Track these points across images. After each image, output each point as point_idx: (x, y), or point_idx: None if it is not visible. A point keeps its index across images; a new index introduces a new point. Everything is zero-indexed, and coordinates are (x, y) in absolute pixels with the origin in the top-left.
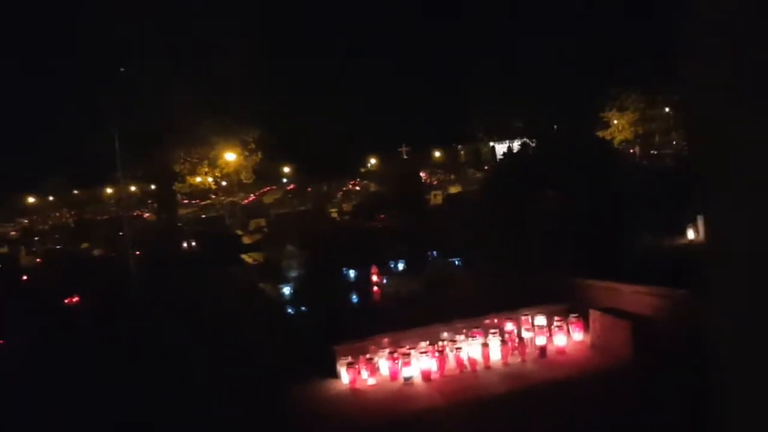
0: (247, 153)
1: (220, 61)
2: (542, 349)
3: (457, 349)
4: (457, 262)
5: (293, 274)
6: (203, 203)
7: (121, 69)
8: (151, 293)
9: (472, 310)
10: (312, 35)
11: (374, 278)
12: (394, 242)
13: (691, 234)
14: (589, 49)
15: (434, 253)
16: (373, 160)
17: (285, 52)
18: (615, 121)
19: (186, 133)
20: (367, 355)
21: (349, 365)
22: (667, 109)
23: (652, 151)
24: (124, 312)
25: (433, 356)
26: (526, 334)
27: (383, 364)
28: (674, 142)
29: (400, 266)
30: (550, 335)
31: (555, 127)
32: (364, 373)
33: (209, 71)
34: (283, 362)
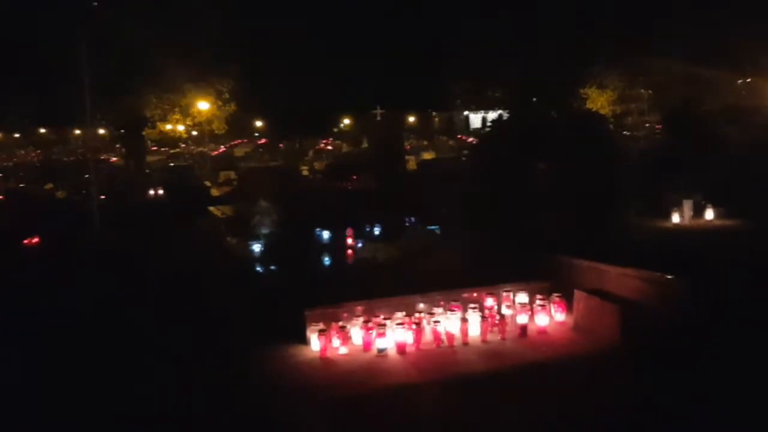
0: (220, 103)
1: (198, 8)
2: (523, 328)
3: (434, 322)
4: (435, 231)
5: (264, 231)
6: (172, 151)
7: (94, 3)
8: (112, 240)
9: (451, 281)
10: None
11: (349, 241)
12: (371, 205)
13: (676, 218)
14: (573, 23)
15: (412, 219)
16: (346, 120)
17: (265, 3)
18: (594, 99)
19: (159, 78)
20: (340, 323)
21: (320, 332)
22: (643, 91)
23: (624, 132)
24: (83, 257)
25: (410, 328)
26: (506, 311)
27: (356, 333)
28: (647, 125)
29: (377, 231)
30: (532, 314)
31: (534, 99)
32: (336, 342)
33: (187, 17)
34: (250, 324)
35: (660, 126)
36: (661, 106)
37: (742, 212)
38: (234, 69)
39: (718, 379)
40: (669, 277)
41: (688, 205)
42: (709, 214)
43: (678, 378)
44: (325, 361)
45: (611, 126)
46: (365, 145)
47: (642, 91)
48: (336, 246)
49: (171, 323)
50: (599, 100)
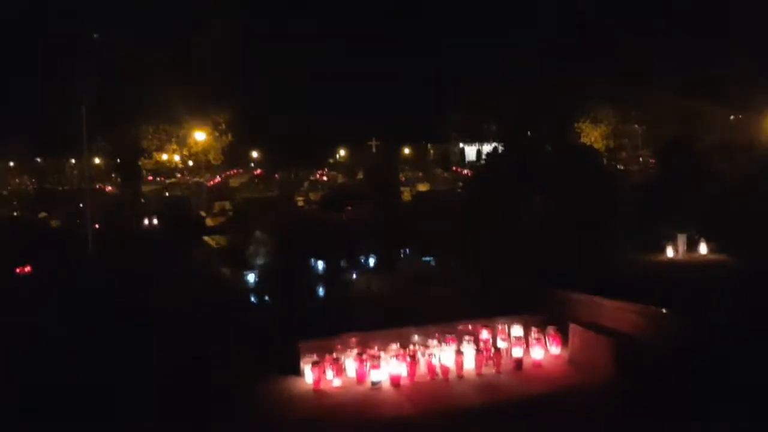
0: (217, 134)
1: (198, 40)
2: (518, 362)
3: (429, 354)
4: (430, 262)
5: (259, 261)
6: (168, 181)
7: (95, 35)
8: (106, 270)
9: (446, 313)
10: (293, 24)
11: (344, 272)
12: (366, 236)
13: (670, 252)
14: (569, 61)
15: (407, 250)
16: (342, 152)
17: (264, 37)
18: (588, 133)
19: (157, 108)
20: (334, 355)
21: (314, 364)
22: (636, 126)
23: (618, 166)
24: (76, 286)
25: (404, 360)
26: (501, 344)
27: (350, 364)
28: (641, 159)
29: (371, 261)
30: (527, 347)
31: (529, 133)
32: (330, 374)
33: (186, 49)
34: (244, 356)
35: (653, 160)
36: (655, 141)
37: (734, 247)
38: (231, 100)
39: (712, 412)
40: (664, 310)
41: (682, 240)
42: (703, 249)
43: (673, 412)
44: (319, 394)
45: (605, 160)
46: (360, 176)
47: (636, 126)
48: (331, 277)
49: (163, 356)
50: (593, 134)
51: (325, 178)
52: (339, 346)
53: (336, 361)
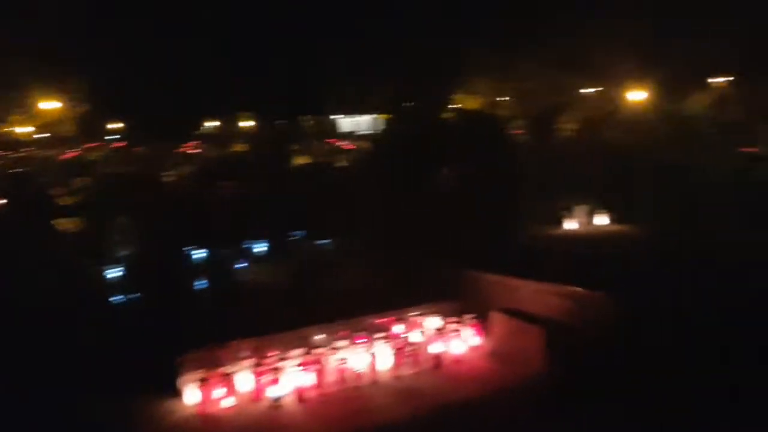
0: (70, 103)
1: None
2: (437, 359)
3: (339, 360)
4: (328, 246)
5: (123, 252)
6: (16, 155)
7: None
8: None
9: (352, 307)
10: None
11: (229, 262)
12: (251, 218)
13: (570, 224)
14: (444, 32)
15: (301, 233)
16: (210, 123)
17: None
18: (464, 104)
19: None
20: (222, 368)
21: (199, 381)
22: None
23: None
24: None
25: (310, 369)
26: (416, 338)
27: (244, 379)
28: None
29: (261, 248)
30: (445, 341)
31: (412, 104)
32: (218, 392)
33: (33, 10)
34: (107, 374)
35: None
36: (525, 113)
37: (630, 217)
38: (87, 67)
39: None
40: (593, 292)
41: (582, 212)
42: (601, 220)
43: (609, 409)
44: (205, 419)
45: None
46: (237, 149)
47: (509, 98)
48: (214, 269)
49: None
50: (469, 105)
51: (199, 151)
52: (229, 357)
53: (225, 376)
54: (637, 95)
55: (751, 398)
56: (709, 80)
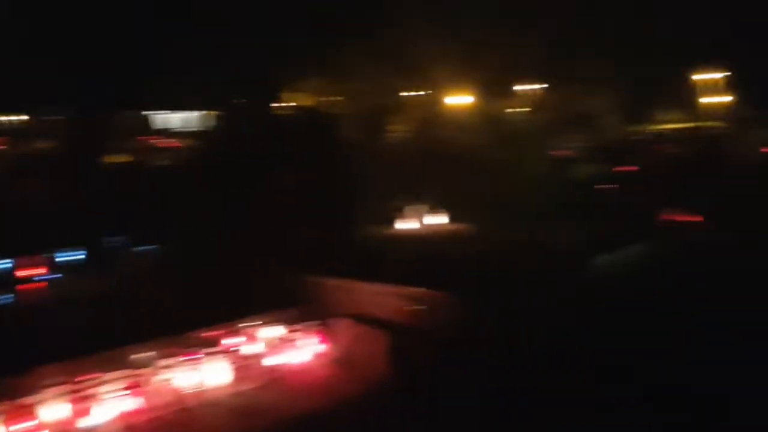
0: None
1: None
2: (278, 370)
3: (165, 380)
4: (153, 251)
5: None
6: None
7: None
8: None
9: (179, 320)
10: None
11: (31, 274)
12: (62, 222)
13: (399, 224)
14: (277, 30)
15: (121, 239)
16: (16, 117)
17: None
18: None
19: None
20: (23, 399)
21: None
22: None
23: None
24: None
25: (134, 392)
26: (253, 350)
27: (51, 411)
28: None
29: (77, 257)
30: (287, 351)
31: (242, 100)
32: (18, 427)
33: None
34: None
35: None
36: (353, 113)
37: (464, 216)
38: None
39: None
40: (437, 293)
41: (419, 211)
42: (436, 219)
43: (457, 411)
44: None
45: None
46: (42, 145)
47: (337, 98)
48: (11, 282)
49: None
50: (303, 103)
51: (2, 147)
52: (34, 385)
53: (26, 408)
54: (461, 99)
55: (583, 382)
56: (524, 87)
